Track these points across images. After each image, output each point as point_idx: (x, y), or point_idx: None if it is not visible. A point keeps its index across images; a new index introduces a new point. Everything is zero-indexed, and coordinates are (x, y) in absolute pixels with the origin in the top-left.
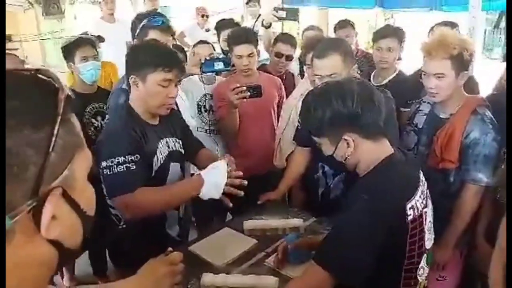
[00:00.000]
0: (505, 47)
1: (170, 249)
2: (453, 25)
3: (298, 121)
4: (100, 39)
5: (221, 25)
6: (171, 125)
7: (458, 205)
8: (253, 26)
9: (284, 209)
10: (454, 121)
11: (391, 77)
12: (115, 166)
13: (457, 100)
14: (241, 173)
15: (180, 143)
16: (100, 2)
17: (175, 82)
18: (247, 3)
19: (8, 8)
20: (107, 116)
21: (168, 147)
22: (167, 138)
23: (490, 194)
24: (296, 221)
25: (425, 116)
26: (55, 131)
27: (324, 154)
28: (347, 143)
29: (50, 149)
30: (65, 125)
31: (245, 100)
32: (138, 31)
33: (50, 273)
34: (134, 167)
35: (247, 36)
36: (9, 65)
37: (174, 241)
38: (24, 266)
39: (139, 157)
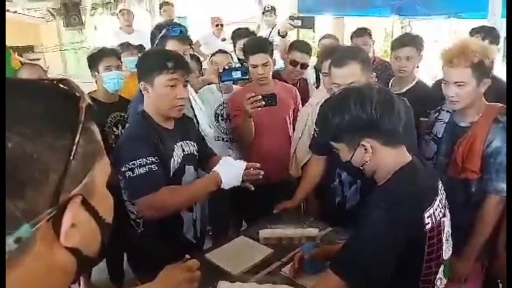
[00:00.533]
0: None
1: (187, 256)
2: (486, 31)
3: (314, 130)
4: (141, 48)
5: (237, 35)
6: (185, 130)
7: (480, 216)
8: (269, 36)
9: (300, 218)
10: (475, 130)
11: (410, 86)
12: (137, 168)
13: (477, 108)
14: (258, 165)
15: (195, 146)
16: (117, 14)
17: (182, 83)
18: (263, 13)
19: (30, 20)
20: (127, 125)
21: (183, 150)
22: (182, 142)
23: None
24: (312, 231)
25: (444, 125)
26: (77, 139)
27: (342, 160)
28: (365, 149)
29: (71, 157)
30: (86, 133)
31: (259, 108)
32: (157, 41)
33: (69, 280)
34: (156, 168)
35: (262, 46)
36: (33, 74)
37: (190, 244)
38: (43, 274)
39: (158, 159)
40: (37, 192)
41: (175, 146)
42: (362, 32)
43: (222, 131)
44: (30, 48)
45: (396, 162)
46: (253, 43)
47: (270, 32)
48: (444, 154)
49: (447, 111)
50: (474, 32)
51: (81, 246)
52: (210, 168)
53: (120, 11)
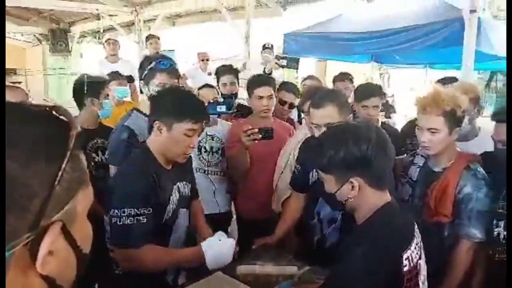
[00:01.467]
0: (496, 105)
1: None
2: (452, 80)
3: (295, 166)
4: (130, 79)
5: (221, 70)
6: (183, 169)
7: (452, 259)
8: (264, 72)
9: (278, 255)
10: (448, 175)
11: None
12: (125, 217)
13: (450, 154)
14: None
15: (190, 187)
16: (103, 43)
17: (198, 133)
18: (263, 49)
19: (15, 43)
20: (107, 152)
21: (179, 192)
22: (179, 183)
23: (485, 249)
24: (291, 269)
25: (419, 169)
26: (63, 166)
27: (326, 190)
28: (352, 186)
29: (56, 182)
30: (73, 161)
31: (256, 141)
32: (146, 72)
33: None
34: (145, 220)
35: (267, 80)
36: (15, 97)
37: (168, 286)
38: None
39: (151, 210)
40: (17, 217)
41: (173, 189)
42: (343, 77)
43: (204, 163)
44: (12, 70)
45: (377, 203)
46: (259, 77)
47: (264, 69)
48: (419, 197)
49: (422, 156)
50: (440, 82)
51: (56, 275)
52: (191, 211)
53: (106, 40)
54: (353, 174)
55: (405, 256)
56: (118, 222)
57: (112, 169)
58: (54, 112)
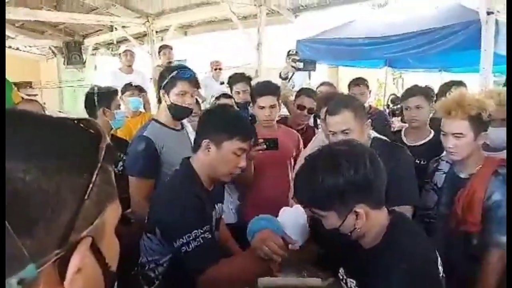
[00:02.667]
0: None
1: None
2: (460, 84)
3: None
4: (141, 89)
5: (234, 79)
6: (220, 190)
7: (483, 270)
8: (280, 76)
9: (296, 265)
10: (475, 182)
11: (427, 139)
12: (192, 241)
13: (476, 159)
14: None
15: (222, 207)
16: (120, 54)
17: (247, 153)
18: (288, 55)
19: (31, 57)
20: (120, 163)
21: (217, 213)
22: (217, 205)
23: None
24: (314, 281)
25: (444, 175)
26: (94, 178)
27: (327, 227)
28: (357, 215)
29: (86, 196)
30: (103, 174)
31: (260, 152)
32: (167, 80)
33: None
34: (210, 235)
35: (271, 88)
36: (31, 110)
37: None
38: None
39: (209, 225)
40: (47, 231)
41: (213, 212)
42: (359, 81)
43: None
44: (28, 84)
45: (382, 224)
46: (262, 85)
47: (280, 73)
48: (445, 205)
49: (447, 162)
50: (446, 86)
51: None
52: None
53: (124, 51)
54: (356, 202)
55: (439, 262)
56: (187, 249)
57: (133, 180)
58: (82, 125)
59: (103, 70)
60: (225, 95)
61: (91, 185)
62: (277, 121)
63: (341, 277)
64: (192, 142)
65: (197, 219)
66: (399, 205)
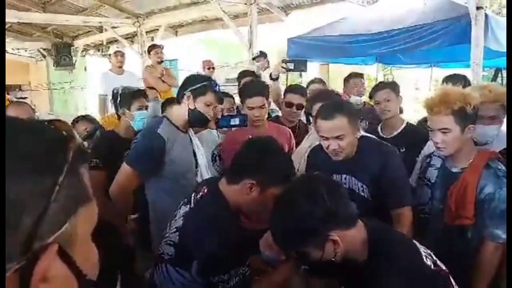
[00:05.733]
0: None
1: None
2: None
3: None
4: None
5: (242, 75)
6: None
7: (478, 263)
8: (270, 77)
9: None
10: (467, 176)
11: (399, 130)
12: (232, 277)
13: (467, 153)
14: None
15: None
16: (110, 55)
17: None
18: (253, 59)
19: (20, 59)
20: (130, 152)
21: None
22: None
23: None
24: None
25: (437, 171)
26: (60, 180)
27: (310, 261)
28: (333, 241)
29: (51, 199)
30: (72, 176)
31: None
32: (198, 86)
33: None
34: (249, 271)
35: (259, 89)
36: (22, 113)
37: None
38: None
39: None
40: (7, 238)
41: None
42: (357, 74)
43: (219, 171)
44: (18, 87)
45: (362, 239)
46: (251, 86)
47: (271, 74)
48: (439, 200)
49: (439, 157)
50: (448, 80)
51: None
52: None
53: (114, 52)
54: (328, 231)
55: (424, 257)
56: (225, 285)
57: (129, 171)
58: (53, 125)
59: (93, 72)
60: (223, 94)
61: (56, 188)
62: (269, 119)
63: None
64: (194, 145)
65: (240, 257)
66: (400, 208)
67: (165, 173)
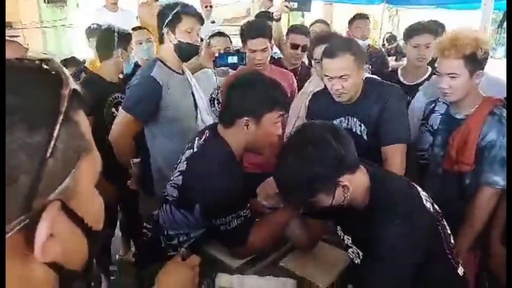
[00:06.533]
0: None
1: (183, 249)
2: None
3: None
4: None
5: (260, 16)
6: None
7: (473, 208)
8: (273, 18)
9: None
10: (470, 123)
11: (425, 77)
12: (234, 220)
13: (473, 100)
14: None
15: None
16: None
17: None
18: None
19: None
20: (126, 97)
21: None
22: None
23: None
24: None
25: (440, 117)
26: (55, 133)
27: (320, 206)
28: (343, 186)
29: (48, 155)
30: (69, 126)
31: None
32: (170, 17)
33: None
34: (249, 212)
35: (262, 30)
36: (13, 52)
37: None
38: None
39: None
40: (7, 198)
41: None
42: (363, 16)
43: (217, 115)
44: (8, 24)
45: (365, 183)
46: (253, 27)
47: (272, 14)
48: (440, 146)
49: (444, 103)
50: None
51: (63, 260)
52: None
53: None
54: (338, 177)
55: (424, 200)
56: (227, 227)
57: (126, 118)
58: (44, 67)
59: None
60: (219, 34)
61: (53, 141)
62: (271, 62)
63: (338, 234)
64: (193, 87)
65: (242, 200)
66: (391, 144)
67: (163, 118)
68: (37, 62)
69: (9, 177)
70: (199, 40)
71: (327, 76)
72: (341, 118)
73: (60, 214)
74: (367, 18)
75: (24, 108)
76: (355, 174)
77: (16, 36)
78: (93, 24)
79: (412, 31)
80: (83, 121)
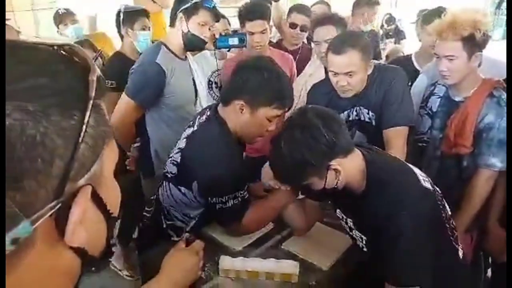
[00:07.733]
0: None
1: (187, 235)
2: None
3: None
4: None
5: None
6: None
7: (470, 189)
8: None
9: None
10: (469, 105)
11: None
12: (231, 200)
13: (472, 82)
14: None
15: None
16: None
17: (280, 118)
18: None
19: None
20: (129, 82)
21: None
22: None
23: (504, 179)
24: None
25: (439, 99)
26: (86, 118)
27: (314, 190)
28: (335, 170)
29: (80, 139)
30: (96, 112)
31: None
32: (188, 5)
33: (72, 285)
34: (247, 194)
35: (261, 12)
36: (7, 36)
37: None
38: (45, 278)
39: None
40: (38, 183)
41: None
42: (372, 3)
43: (215, 98)
44: None
45: (360, 165)
46: (252, 9)
47: None
48: (438, 129)
49: (443, 85)
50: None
51: (87, 246)
52: None
53: None
54: (329, 161)
55: (422, 181)
56: (223, 206)
57: (128, 103)
58: (64, 53)
59: None
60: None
61: (84, 127)
62: (270, 44)
63: (339, 216)
64: (194, 72)
65: (240, 181)
66: (392, 127)
67: (165, 104)
68: (55, 47)
69: (46, 160)
70: (208, 35)
71: (332, 71)
72: (348, 110)
73: (89, 200)
74: (378, 4)
75: (59, 91)
76: (347, 158)
77: (8, 19)
78: (59, 8)
79: (432, 17)
80: (105, 109)
